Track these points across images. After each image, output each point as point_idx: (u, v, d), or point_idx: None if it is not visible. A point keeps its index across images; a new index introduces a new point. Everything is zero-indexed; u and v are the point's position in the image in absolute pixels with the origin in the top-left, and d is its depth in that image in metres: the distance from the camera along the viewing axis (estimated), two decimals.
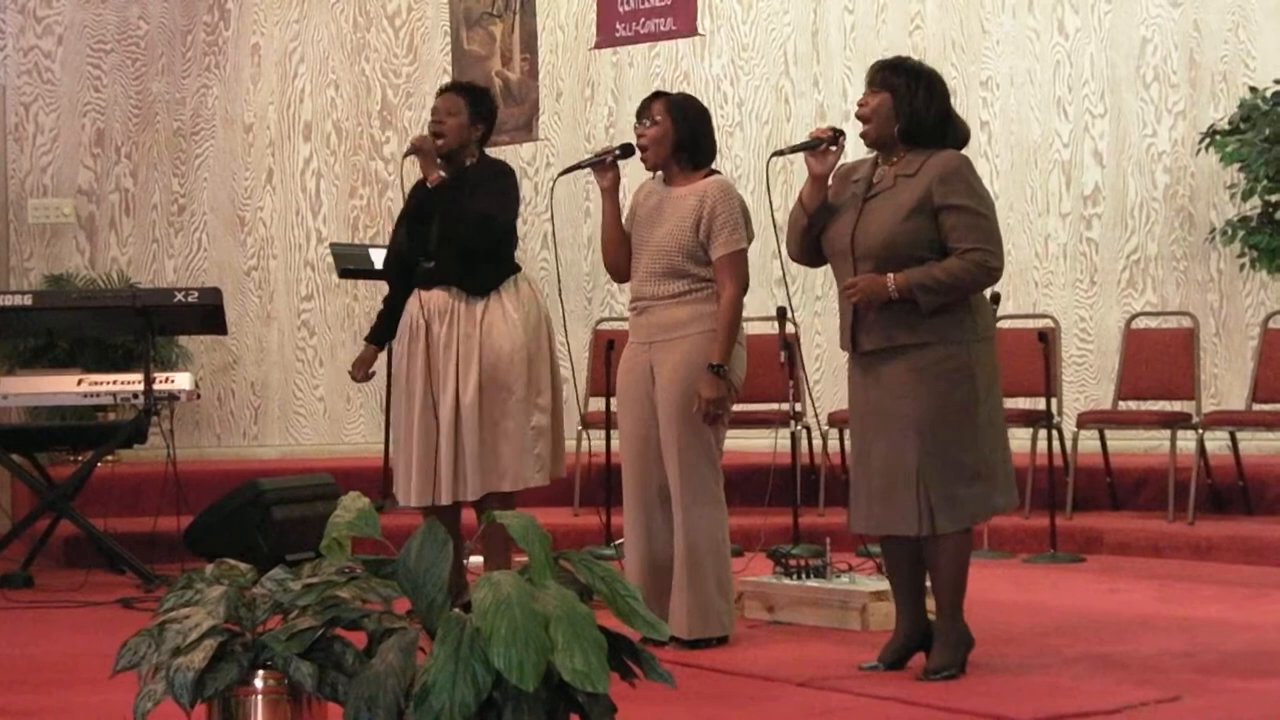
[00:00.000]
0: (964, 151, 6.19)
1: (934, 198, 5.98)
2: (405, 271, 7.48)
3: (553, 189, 7.53)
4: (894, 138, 6.12)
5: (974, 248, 5.95)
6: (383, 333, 7.69)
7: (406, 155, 7.46)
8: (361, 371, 7.78)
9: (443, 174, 7.28)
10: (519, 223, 7.54)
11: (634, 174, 7.02)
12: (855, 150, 6.29)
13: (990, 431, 6.06)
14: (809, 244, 6.28)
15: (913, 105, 6.09)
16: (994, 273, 6.03)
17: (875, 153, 6.23)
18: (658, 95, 6.97)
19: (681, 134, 6.81)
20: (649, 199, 6.90)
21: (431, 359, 7.30)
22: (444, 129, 7.33)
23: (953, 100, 6.28)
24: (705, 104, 7.08)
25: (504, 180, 7.38)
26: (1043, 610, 7.60)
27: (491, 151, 7.59)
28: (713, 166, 6.92)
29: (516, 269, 7.41)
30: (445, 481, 7.23)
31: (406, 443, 7.38)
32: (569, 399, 11.82)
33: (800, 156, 6.31)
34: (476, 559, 7.88)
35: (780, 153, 6.56)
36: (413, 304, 7.39)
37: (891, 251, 6.00)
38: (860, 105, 6.18)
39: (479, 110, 7.41)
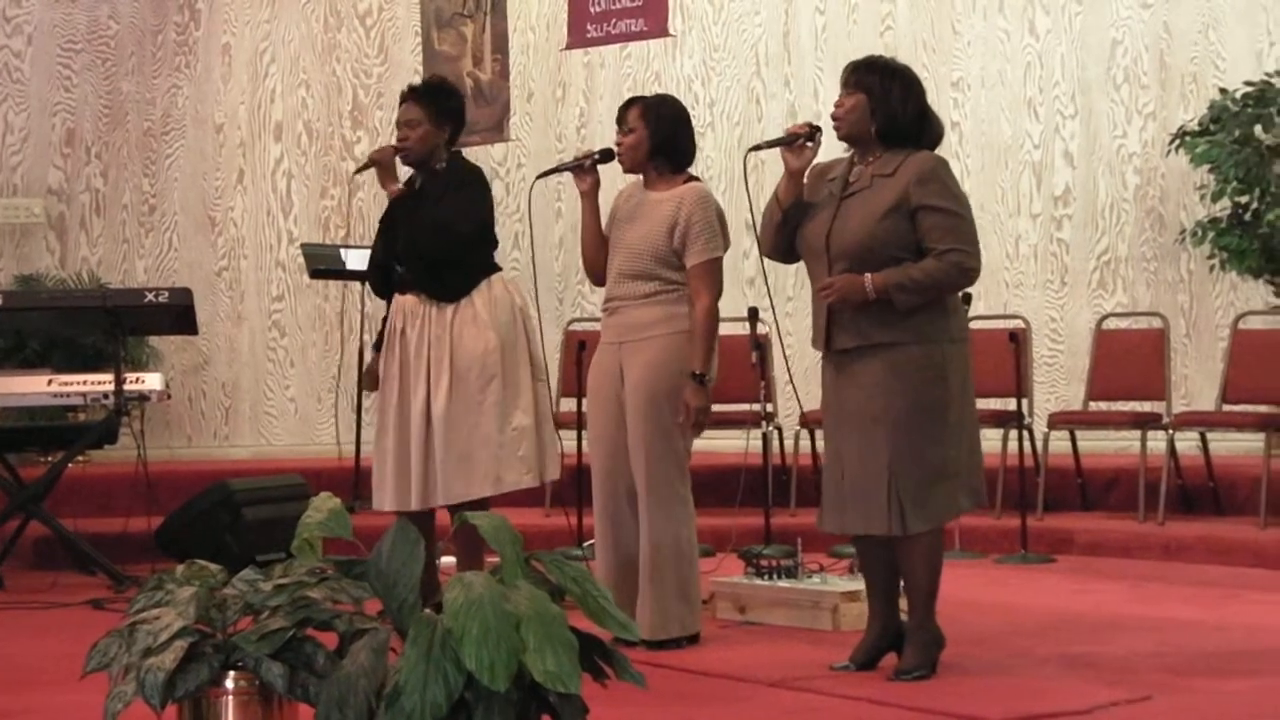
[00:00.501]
0: (936, 151, 6.21)
1: (911, 199, 5.99)
2: (386, 279, 7.45)
3: (530, 192, 7.51)
4: (871, 137, 6.12)
5: (951, 249, 5.97)
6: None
7: (360, 170, 7.48)
8: (372, 381, 7.70)
9: (400, 185, 7.23)
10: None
11: (615, 178, 7.02)
12: (830, 150, 6.29)
13: (960, 432, 6.08)
14: (783, 240, 6.28)
15: (889, 105, 6.09)
16: (971, 273, 6.06)
17: (850, 151, 6.23)
18: (634, 101, 6.97)
19: (656, 140, 6.82)
20: (628, 202, 6.91)
21: (404, 363, 7.27)
22: (408, 142, 7.27)
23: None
24: (686, 108, 7.08)
25: (470, 188, 7.30)
26: (1014, 611, 7.61)
27: (465, 153, 7.55)
28: (691, 172, 6.92)
29: (492, 270, 7.37)
30: (415, 487, 7.19)
31: (381, 448, 7.35)
32: None
33: (775, 153, 6.32)
34: (449, 559, 7.86)
35: (757, 147, 6.55)
36: (392, 308, 7.38)
37: (867, 251, 6.01)
38: (836, 107, 6.18)
39: (442, 112, 7.31)
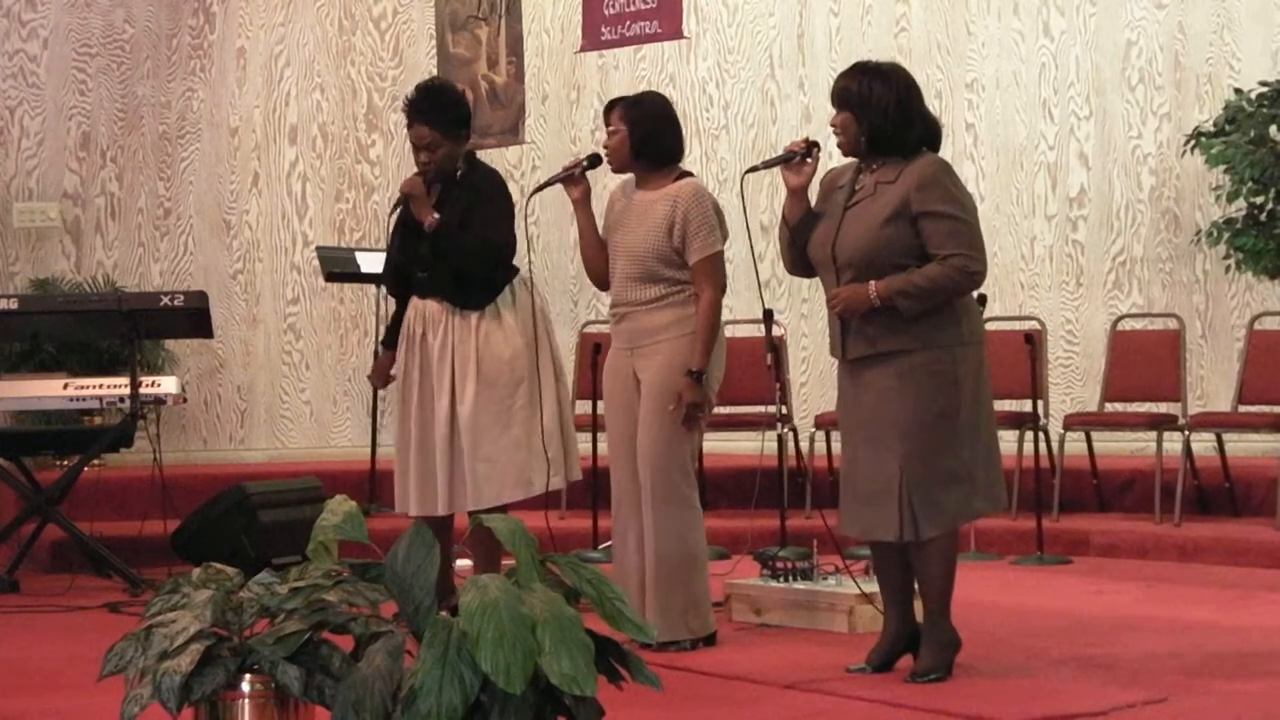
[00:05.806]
0: (947, 154, 6.20)
1: (912, 205, 5.99)
2: (403, 281, 7.44)
3: (526, 205, 7.43)
4: (864, 149, 6.12)
5: (954, 253, 5.96)
6: (396, 337, 7.62)
7: (396, 206, 7.38)
8: (380, 378, 7.70)
9: (436, 215, 7.17)
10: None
11: (609, 181, 7.01)
12: (838, 157, 6.30)
13: (973, 435, 6.07)
14: (799, 256, 6.29)
15: (869, 111, 6.06)
16: (975, 276, 6.04)
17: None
18: (616, 102, 6.99)
19: (635, 138, 6.81)
20: (619, 203, 6.91)
21: (425, 369, 7.26)
22: (430, 166, 7.23)
23: (938, 102, 6.29)
24: (670, 102, 7.07)
25: (500, 202, 7.27)
26: (1029, 612, 7.60)
27: (478, 155, 7.53)
28: (685, 169, 6.92)
29: (513, 273, 7.33)
30: (441, 493, 7.19)
31: (403, 452, 7.34)
32: None
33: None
34: (465, 563, 7.87)
35: (754, 169, 6.58)
36: (410, 312, 7.36)
37: (871, 259, 6.00)
38: (832, 126, 6.19)
39: (452, 123, 7.28)
